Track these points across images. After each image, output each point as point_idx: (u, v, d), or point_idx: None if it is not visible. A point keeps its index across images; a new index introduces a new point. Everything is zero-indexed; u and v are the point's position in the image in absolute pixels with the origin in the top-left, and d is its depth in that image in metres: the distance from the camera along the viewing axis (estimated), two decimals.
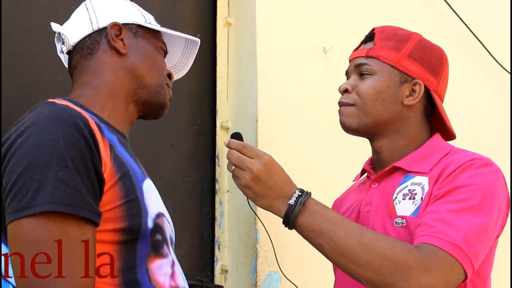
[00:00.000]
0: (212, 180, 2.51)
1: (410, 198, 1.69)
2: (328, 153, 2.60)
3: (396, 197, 1.71)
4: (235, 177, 1.65)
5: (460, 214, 1.59)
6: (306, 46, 2.67)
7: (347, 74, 1.86)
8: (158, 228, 1.45)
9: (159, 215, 1.46)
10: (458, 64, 2.73)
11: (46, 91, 2.07)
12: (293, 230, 1.64)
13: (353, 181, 1.94)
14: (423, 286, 1.52)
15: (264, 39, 2.55)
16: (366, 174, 1.87)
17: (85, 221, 1.32)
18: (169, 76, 1.70)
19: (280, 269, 1.92)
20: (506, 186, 1.69)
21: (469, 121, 3.16)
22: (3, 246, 1.37)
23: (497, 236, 1.69)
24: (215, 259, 2.47)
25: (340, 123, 1.81)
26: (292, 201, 1.61)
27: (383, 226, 1.69)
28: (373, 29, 1.85)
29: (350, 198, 1.90)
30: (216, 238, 2.48)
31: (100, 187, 1.37)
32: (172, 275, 1.46)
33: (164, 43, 1.70)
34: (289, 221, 1.61)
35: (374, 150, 1.83)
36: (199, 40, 1.77)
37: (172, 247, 1.51)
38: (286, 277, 1.93)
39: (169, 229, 1.50)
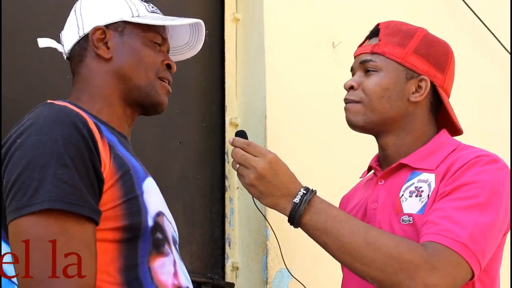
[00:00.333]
0: (222, 177, 2.51)
1: (416, 196, 1.68)
2: (337, 149, 2.59)
3: (402, 195, 1.70)
4: (240, 175, 1.64)
5: (467, 211, 1.58)
6: (315, 41, 2.66)
7: (352, 70, 1.85)
8: (158, 226, 1.45)
9: (159, 214, 1.47)
10: (462, 47, 2.71)
11: (55, 91, 2.07)
12: None
13: (360, 178, 1.93)
14: (429, 284, 1.51)
15: (272, 35, 2.54)
16: (372, 171, 1.86)
17: (85, 219, 1.33)
18: (169, 66, 1.64)
19: (286, 266, 1.91)
20: None
21: (476, 107, 3.14)
22: (5, 246, 1.38)
23: (505, 234, 1.67)
24: (225, 256, 2.47)
25: (346, 120, 1.80)
26: (297, 200, 1.61)
27: (390, 224, 1.69)
28: (378, 25, 1.84)
29: (357, 195, 1.89)
30: (226, 235, 2.48)
31: (100, 186, 1.38)
32: (175, 274, 1.46)
33: (158, 33, 1.63)
34: (294, 220, 1.61)
35: (381, 147, 1.82)
36: (198, 20, 1.70)
37: (175, 247, 1.51)
38: (291, 275, 1.93)
39: (170, 228, 1.51)
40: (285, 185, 1.62)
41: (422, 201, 1.66)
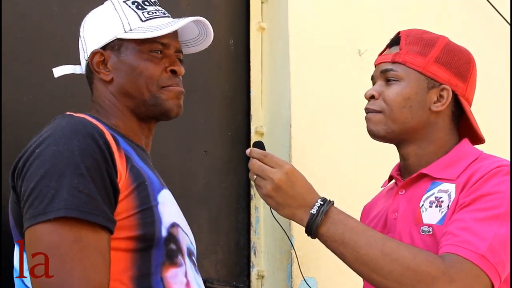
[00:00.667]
0: (247, 185, 2.51)
1: (436, 206, 1.67)
2: (362, 157, 2.58)
3: (422, 205, 1.69)
4: (257, 186, 1.65)
5: (486, 223, 1.56)
6: (340, 50, 2.65)
7: (373, 79, 1.84)
8: (172, 237, 1.47)
9: (174, 225, 1.49)
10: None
11: (80, 101, 2.10)
12: None
13: (381, 187, 1.92)
14: None
15: (298, 43, 2.54)
16: (394, 180, 1.85)
17: (100, 227, 1.36)
18: (173, 71, 1.62)
19: (303, 276, 1.91)
20: None
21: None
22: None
23: None
24: (251, 264, 2.48)
25: (367, 130, 1.80)
26: (314, 211, 1.61)
27: (410, 234, 1.68)
28: (399, 33, 1.83)
29: (379, 204, 1.88)
30: (252, 244, 2.49)
31: (115, 196, 1.41)
32: (187, 284, 1.48)
33: (156, 41, 1.60)
34: (311, 231, 1.61)
35: (402, 156, 1.81)
36: (187, 21, 1.64)
37: (190, 258, 1.53)
38: (306, 281, 1.92)
39: (186, 240, 1.52)
40: (302, 196, 1.62)
41: (442, 212, 1.65)
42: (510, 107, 3.12)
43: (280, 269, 2.41)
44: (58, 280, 1.31)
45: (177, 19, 1.65)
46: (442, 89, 1.76)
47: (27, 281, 1.43)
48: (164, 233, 1.45)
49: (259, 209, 2.50)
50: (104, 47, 1.62)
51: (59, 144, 1.38)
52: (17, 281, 1.48)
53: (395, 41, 1.83)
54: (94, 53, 1.62)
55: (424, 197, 1.70)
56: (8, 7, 2.07)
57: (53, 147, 1.38)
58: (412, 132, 1.76)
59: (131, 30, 1.60)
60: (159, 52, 1.61)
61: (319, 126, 2.53)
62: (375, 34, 2.74)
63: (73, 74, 1.73)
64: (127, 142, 1.54)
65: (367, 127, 1.80)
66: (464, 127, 1.81)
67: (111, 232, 1.39)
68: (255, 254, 2.48)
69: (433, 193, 1.69)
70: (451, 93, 1.76)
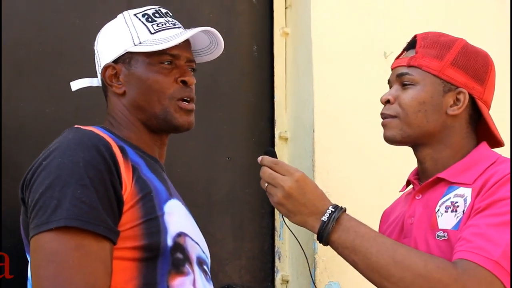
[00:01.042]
0: None
1: (452, 211, 1.65)
2: (385, 161, 2.55)
3: (438, 209, 1.67)
4: (268, 194, 1.65)
5: (500, 228, 1.53)
6: (364, 53, 2.63)
7: (389, 83, 1.83)
8: (178, 246, 1.49)
9: (180, 234, 1.50)
10: None
11: (102, 112, 2.13)
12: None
13: (399, 191, 1.91)
14: None
15: (321, 48, 2.54)
16: (411, 185, 1.84)
17: (102, 237, 1.39)
18: (184, 82, 1.63)
19: (314, 283, 1.90)
20: None
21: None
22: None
23: None
24: (275, 269, 2.48)
25: (384, 137, 1.79)
26: (325, 218, 1.60)
27: (425, 240, 1.66)
28: (415, 36, 1.81)
29: (397, 209, 1.87)
30: (276, 249, 2.49)
31: (119, 207, 1.43)
32: None
33: (165, 52, 1.61)
34: (323, 238, 1.61)
35: (418, 160, 1.79)
36: (195, 31, 1.64)
37: (200, 267, 1.53)
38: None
39: (195, 249, 1.53)
40: (312, 203, 1.62)
41: (458, 217, 1.63)
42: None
43: (304, 274, 2.41)
44: (57, 286, 1.33)
45: (186, 30, 1.66)
46: (459, 93, 1.73)
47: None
48: (170, 242, 1.47)
49: None
50: (116, 61, 1.64)
51: (64, 156, 1.41)
52: None
53: (411, 44, 1.81)
54: (106, 67, 1.65)
55: (440, 201, 1.68)
56: (31, 20, 2.11)
57: (58, 159, 1.42)
58: (428, 136, 1.74)
59: (140, 43, 1.62)
60: (169, 63, 1.63)
61: (342, 130, 2.52)
62: (400, 36, 2.70)
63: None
64: (138, 153, 1.57)
65: (384, 134, 1.78)
66: (482, 131, 1.78)
67: (113, 242, 1.41)
68: (279, 259, 2.48)
69: (449, 198, 1.67)
70: (467, 97, 1.73)
